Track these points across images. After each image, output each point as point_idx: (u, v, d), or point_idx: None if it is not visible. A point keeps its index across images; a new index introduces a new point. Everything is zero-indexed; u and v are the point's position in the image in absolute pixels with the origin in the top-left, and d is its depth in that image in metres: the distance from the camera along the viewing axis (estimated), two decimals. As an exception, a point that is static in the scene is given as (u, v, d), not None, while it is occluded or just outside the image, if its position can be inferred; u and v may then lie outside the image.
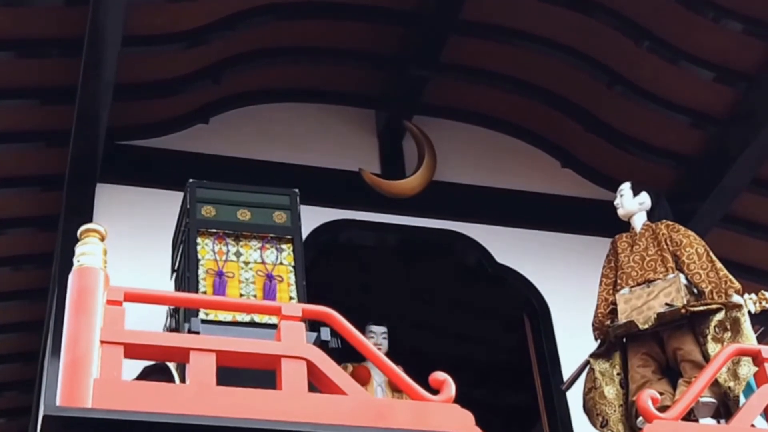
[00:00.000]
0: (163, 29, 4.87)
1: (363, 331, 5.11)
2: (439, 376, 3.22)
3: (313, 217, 5.10)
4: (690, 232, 4.33)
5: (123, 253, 4.36)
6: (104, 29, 4.50)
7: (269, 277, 4.06)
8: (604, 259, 4.46)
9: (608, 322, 4.24)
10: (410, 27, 5.37)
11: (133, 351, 3.06)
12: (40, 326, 5.99)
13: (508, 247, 5.61)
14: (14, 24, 4.65)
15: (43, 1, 4.61)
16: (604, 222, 5.17)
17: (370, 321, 5.21)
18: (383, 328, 5.18)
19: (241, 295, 4.02)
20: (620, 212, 4.49)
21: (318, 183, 5.42)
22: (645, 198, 4.46)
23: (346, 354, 3.86)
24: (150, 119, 5.35)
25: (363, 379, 4.86)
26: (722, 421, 3.90)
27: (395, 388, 4.75)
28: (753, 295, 4.33)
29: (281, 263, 4.13)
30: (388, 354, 5.13)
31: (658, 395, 3.61)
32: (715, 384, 3.81)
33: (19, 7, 4.61)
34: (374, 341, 5.11)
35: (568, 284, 5.45)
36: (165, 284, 4.47)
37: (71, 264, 3.25)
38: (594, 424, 4.13)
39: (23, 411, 6.63)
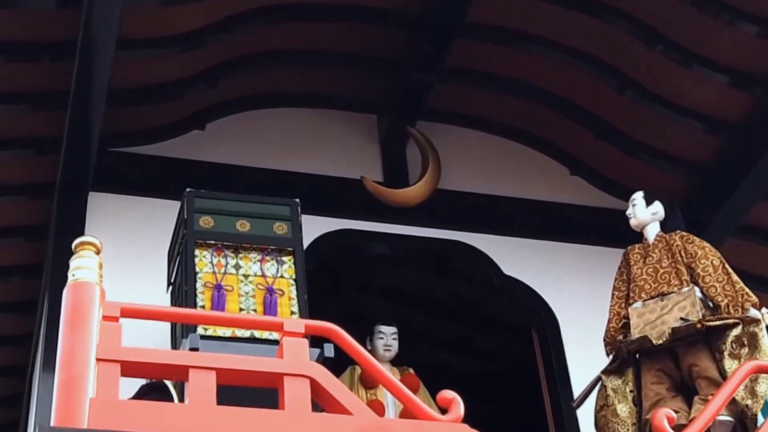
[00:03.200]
0: (157, 32, 4.89)
1: (372, 333, 5.15)
2: (448, 394, 3.22)
3: (313, 227, 5.11)
4: (705, 244, 4.35)
5: (116, 265, 4.36)
6: (97, 33, 4.51)
7: (270, 291, 4.07)
8: (615, 271, 4.47)
9: (620, 337, 4.25)
10: (414, 30, 5.39)
11: (130, 369, 3.06)
12: (28, 340, 5.98)
13: (516, 257, 5.62)
14: (3, 27, 4.66)
15: (35, 3, 4.63)
16: (616, 232, 5.19)
17: (380, 321, 5.21)
18: (393, 329, 5.18)
19: (241, 310, 4.02)
20: (632, 222, 4.50)
21: (318, 191, 5.44)
22: (658, 208, 4.47)
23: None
24: (145, 125, 5.36)
25: (373, 381, 4.86)
26: (739, 440, 3.92)
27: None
28: (771, 309, 4.34)
29: (282, 276, 4.14)
30: (400, 359, 5.17)
31: (673, 414, 3.62)
32: (732, 402, 3.82)
33: (8, 10, 4.62)
34: (384, 342, 5.12)
35: (577, 297, 5.47)
36: (160, 298, 4.47)
37: (62, 276, 3.26)
38: (606, 443, 4.14)
39: (9, 427, 6.62)
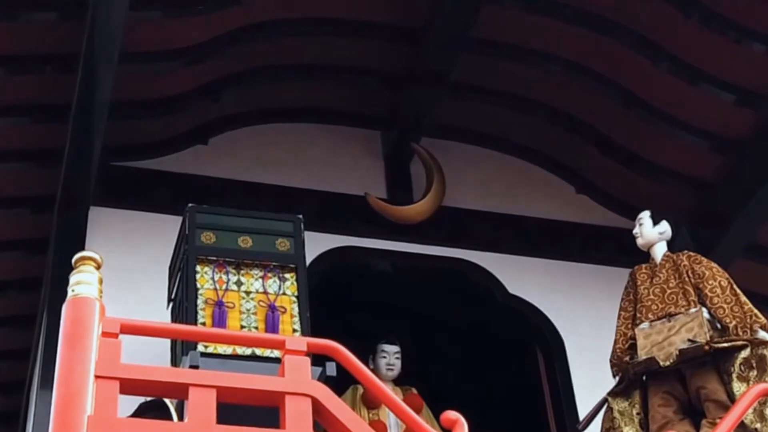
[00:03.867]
0: (161, 45, 4.90)
1: (374, 352, 5.11)
2: (451, 415, 3.19)
3: (316, 244, 5.10)
4: (713, 264, 4.33)
5: (116, 280, 4.35)
6: (100, 46, 4.52)
7: (272, 308, 4.05)
8: (622, 291, 4.45)
9: (627, 359, 4.22)
10: (418, 45, 5.39)
11: (129, 386, 3.03)
12: (26, 356, 5.96)
13: (521, 276, 5.60)
14: (5, 39, 4.67)
15: (37, 15, 4.64)
16: (622, 251, 5.18)
17: (383, 340, 5.18)
18: (396, 348, 5.15)
19: (242, 327, 4.01)
20: (639, 242, 4.49)
21: (321, 207, 5.43)
22: (665, 227, 4.46)
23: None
24: (147, 139, 5.36)
25: (375, 401, 4.83)
26: (748, 464, 3.87)
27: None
28: (780, 331, 4.30)
29: (284, 293, 4.13)
30: (403, 379, 5.13)
31: (681, 437, 3.59)
32: (741, 425, 3.78)
33: (10, 22, 4.63)
34: (386, 361, 5.10)
35: (583, 317, 5.44)
36: (161, 314, 4.45)
37: (61, 291, 3.24)
38: (612, 467, 4.10)
39: (5, 444, 6.59)
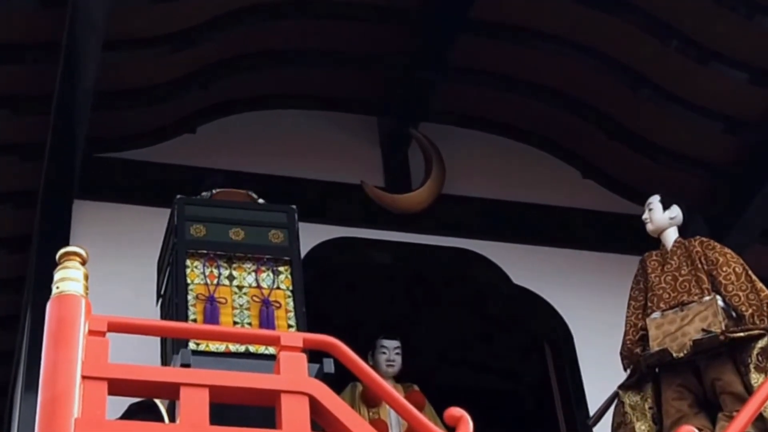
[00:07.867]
0: (146, 32, 4.87)
1: (373, 348, 5.11)
2: (456, 411, 3.18)
3: (310, 235, 5.09)
4: (726, 250, 4.32)
5: (102, 276, 4.33)
6: (83, 33, 4.50)
7: (266, 303, 4.05)
8: (632, 280, 4.44)
9: (638, 350, 4.21)
10: (415, 26, 5.37)
11: (117, 387, 3.02)
12: (9, 357, 5.95)
13: (526, 266, 5.60)
14: (-17, 27, 4.65)
15: (16, 2, 4.61)
16: (631, 238, 5.17)
17: (382, 335, 5.19)
18: (396, 343, 5.17)
19: (235, 323, 4.01)
20: (649, 228, 4.48)
21: (316, 197, 5.42)
22: (676, 212, 4.45)
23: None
24: (132, 129, 5.35)
25: (375, 399, 4.83)
26: (766, 458, 3.87)
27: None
28: (798, 319, 4.29)
29: (278, 287, 4.13)
30: (404, 376, 5.13)
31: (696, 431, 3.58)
32: (759, 419, 3.77)
33: (-11, 9, 4.61)
34: (386, 357, 5.11)
35: (592, 307, 5.44)
36: (149, 311, 4.44)
37: (46, 289, 3.23)
38: (624, 463, 4.09)
39: (-11, 450, 6.58)
